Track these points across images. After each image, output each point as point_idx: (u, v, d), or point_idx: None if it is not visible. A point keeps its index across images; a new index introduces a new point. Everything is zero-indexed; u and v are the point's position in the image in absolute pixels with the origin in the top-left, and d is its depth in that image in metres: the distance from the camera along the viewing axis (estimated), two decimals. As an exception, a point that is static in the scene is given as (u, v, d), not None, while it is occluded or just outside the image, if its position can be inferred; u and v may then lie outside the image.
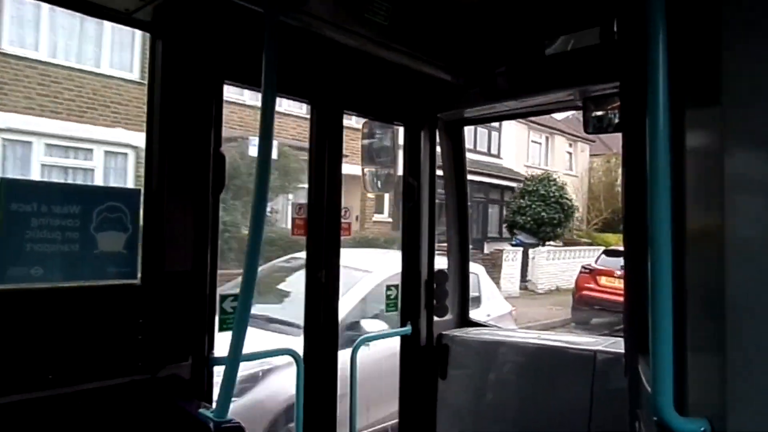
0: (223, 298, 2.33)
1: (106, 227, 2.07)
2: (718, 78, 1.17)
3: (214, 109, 2.31)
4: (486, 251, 20.86)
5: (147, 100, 2.22)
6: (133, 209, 2.13)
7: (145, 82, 2.26)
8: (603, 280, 14.44)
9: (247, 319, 1.82)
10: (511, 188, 25.06)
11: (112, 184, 12.45)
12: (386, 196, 17.18)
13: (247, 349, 1.93)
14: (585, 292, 14.76)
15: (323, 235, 2.79)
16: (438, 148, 3.47)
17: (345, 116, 2.92)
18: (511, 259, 19.56)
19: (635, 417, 2.03)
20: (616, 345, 2.85)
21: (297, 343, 2.83)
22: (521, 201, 22.50)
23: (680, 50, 1.30)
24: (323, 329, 2.80)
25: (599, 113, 2.84)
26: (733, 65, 1.16)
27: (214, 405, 1.97)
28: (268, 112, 1.68)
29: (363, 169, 3.34)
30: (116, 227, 2.09)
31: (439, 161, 3.47)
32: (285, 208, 14.00)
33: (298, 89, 2.79)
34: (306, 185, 2.85)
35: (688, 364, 1.29)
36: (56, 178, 11.55)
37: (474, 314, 3.81)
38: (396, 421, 3.35)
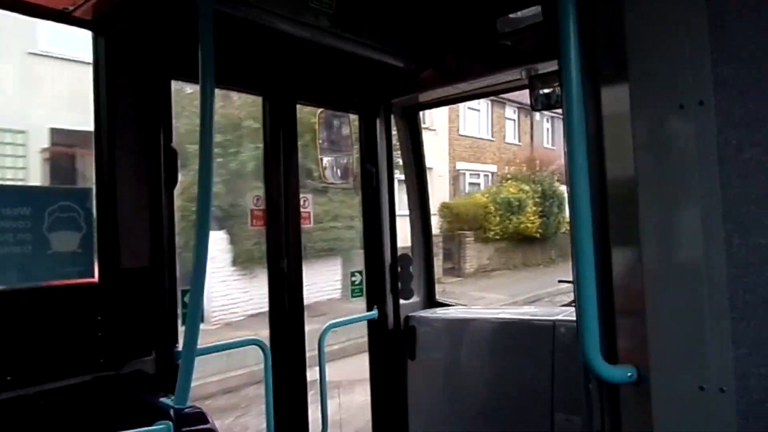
0: (184, 292, 2.36)
1: (58, 227, 2.08)
2: (624, 58, 1.26)
3: (162, 105, 2.33)
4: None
5: (93, 98, 2.22)
6: (86, 208, 2.15)
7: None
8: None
9: (198, 310, 1.85)
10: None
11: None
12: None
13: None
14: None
15: (283, 225, 2.82)
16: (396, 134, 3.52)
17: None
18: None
19: (588, 378, 2.13)
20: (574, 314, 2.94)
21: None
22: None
23: (593, 31, 1.38)
24: (289, 318, 2.84)
25: (546, 90, 2.91)
26: (634, 47, 1.25)
27: None
28: (207, 106, 1.71)
29: (321, 159, 3.37)
30: (69, 227, 2.10)
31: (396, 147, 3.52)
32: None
33: (250, 82, 2.81)
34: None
35: (616, 322, 1.37)
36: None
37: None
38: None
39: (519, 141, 25.93)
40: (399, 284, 3.40)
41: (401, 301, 3.41)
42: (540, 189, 20.73)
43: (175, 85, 2.41)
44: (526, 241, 20.30)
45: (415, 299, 3.52)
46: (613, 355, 1.37)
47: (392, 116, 3.44)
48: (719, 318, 1.17)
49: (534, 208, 20.13)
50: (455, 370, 3.25)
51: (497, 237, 18.98)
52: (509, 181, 21.00)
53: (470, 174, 22.83)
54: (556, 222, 21.12)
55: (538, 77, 2.92)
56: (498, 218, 18.89)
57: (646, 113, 1.25)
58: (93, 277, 2.17)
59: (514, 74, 3.02)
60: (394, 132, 3.47)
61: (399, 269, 3.41)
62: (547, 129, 27.50)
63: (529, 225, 19.83)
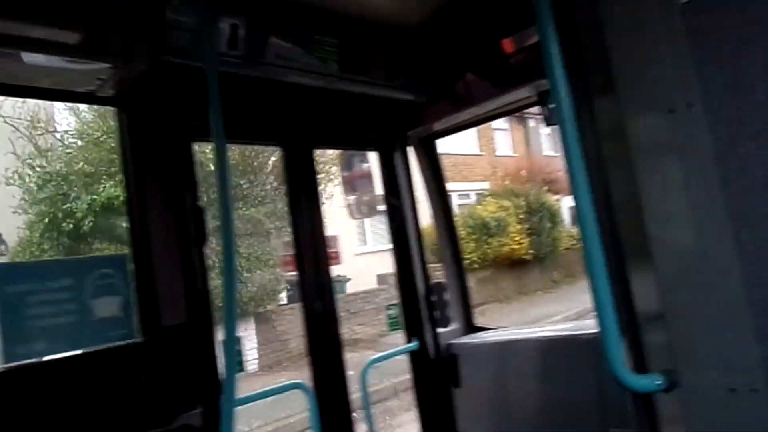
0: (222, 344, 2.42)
1: (99, 294, 2.19)
2: (610, 69, 1.29)
3: (185, 166, 2.44)
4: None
5: (122, 168, 2.35)
6: (122, 273, 2.26)
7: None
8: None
9: (233, 360, 1.91)
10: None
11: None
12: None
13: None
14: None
15: (313, 267, 2.88)
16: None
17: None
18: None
19: None
20: None
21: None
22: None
23: (578, 47, 1.42)
24: (329, 358, 2.87)
25: None
26: (618, 58, 1.28)
27: None
28: (223, 163, 1.80)
29: (346, 198, 3.45)
30: (109, 292, 2.21)
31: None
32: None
33: (267, 134, 2.92)
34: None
35: (640, 331, 1.37)
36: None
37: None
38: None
39: (514, 152, 24.16)
40: (436, 313, 3.41)
41: (440, 330, 3.41)
42: (524, 203, 18.12)
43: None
44: (517, 266, 17.68)
45: (454, 326, 3.51)
46: (641, 365, 1.36)
47: (410, 148, 3.50)
48: (739, 315, 1.16)
49: (519, 226, 17.53)
50: (502, 394, 3.21)
51: (476, 266, 15.93)
52: (487, 198, 18.50)
53: (459, 195, 20.27)
54: (551, 239, 18.47)
55: (548, 92, 2.95)
56: (473, 243, 16.13)
57: (638, 120, 1.27)
58: (136, 337, 2.26)
59: (525, 92, 3.05)
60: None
61: (435, 298, 3.42)
62: (547, 135, 25.12)
63: (516, 246, 17.34)
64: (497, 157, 22.94)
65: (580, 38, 1.44)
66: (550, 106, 2.88)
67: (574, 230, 20.22)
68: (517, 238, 17.45)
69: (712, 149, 1.18)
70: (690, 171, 1.20)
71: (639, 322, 1.36)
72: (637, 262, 1.35)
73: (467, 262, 14.32)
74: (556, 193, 20.72)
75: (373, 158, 3.46)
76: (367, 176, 3.46)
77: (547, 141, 24.99)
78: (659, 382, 1.27)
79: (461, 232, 14.23)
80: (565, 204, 21.85)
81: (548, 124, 3.02)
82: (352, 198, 3.48)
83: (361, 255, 17.21)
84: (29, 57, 1.89)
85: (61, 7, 1.85)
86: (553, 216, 18.83)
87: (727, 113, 1.17)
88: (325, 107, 3.00)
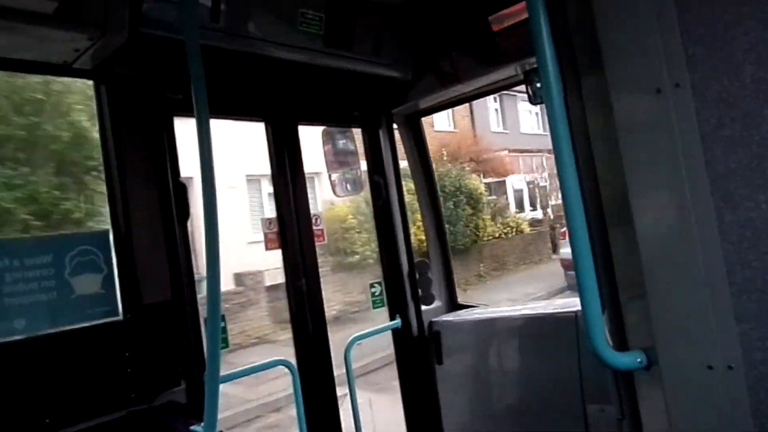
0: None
1: (80, 271, 2.16)
2: (598, 46, 1.29)
3: (167, 142, 2.40)
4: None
5: (101, 143, 2.30)
6: (105, 250, 2.23)
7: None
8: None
9: (218, 338, 1.90)
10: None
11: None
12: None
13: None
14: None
15: (298, 245, 2.87)
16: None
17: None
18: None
19: None
20: None
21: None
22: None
23: (566, 24, 1.41)
24: (313, 336, 2.88)
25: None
26: (607, 35, 1.27)
27: None
28: (204, 139, 1.77)
29: (330, 175, 3.43)
30: (90, 269, 2.18)
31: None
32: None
33: (251, 109, 2.88)
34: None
35: (622, 308, 1.39)
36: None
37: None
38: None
39: (455, 127, 21.27)
40: (419, 291, 3.43)
41: (423, 308, 3.43)
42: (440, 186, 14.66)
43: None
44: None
45: (437, 304, 3.54)
46: (623, 342, 1.38)
47: (395, 126, 3.48)
48: (719, 295, 1.18)
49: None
50: (484, 371, 3.26)
51: (370, 262, 12.21)
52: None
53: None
54: (474, 227, 16.14)
55: (534, 71, 2.94)
56: (366, 234, 12.68)
57: (626, 99, 1.27)
58: (118, 315, 2.24)
59: (510, 70, 3.04)
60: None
61: (417, 276, 3.44)
62: (496, 110, 23.68)
63: (422, 237, 13.97)
64: (436, 132, 19.84)
65: (568, 16, 1.43)
66: (539, 84, 2.87)
67: (518, 216, 19.24)
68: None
69: (697, 130, 1.19)
70: (675, 151, 1.21)
71: (621, 300, 1.38)
72: (620, 240, 1.36)
73: (357, 257, 12.69)
74: (487, 174, 19.51)
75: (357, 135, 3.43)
76: (351, 153, 3.44)
77: (495, 117, 23.39)
78: (640, 359, 1.29)
79: (352, 221, 12.74)
80: (511, 185, 21.02)
81: (533, 103, 3.02)
82: (335, 175, 3.46)
83: (256, 244, 15.06)
84: (3, 27, 1.83)
85: None
86: (475, 201, 16.38)
87: (714, 95, 1.18)
88: (310, 83, 2.96)
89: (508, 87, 3.30)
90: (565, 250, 13.06)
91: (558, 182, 1.37)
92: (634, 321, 1.35)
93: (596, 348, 1.29)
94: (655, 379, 1.26)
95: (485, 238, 16.72)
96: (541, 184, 23.97)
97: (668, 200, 1.25)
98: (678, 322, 1.23)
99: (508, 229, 17.57)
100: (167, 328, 2.31)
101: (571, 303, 3.11)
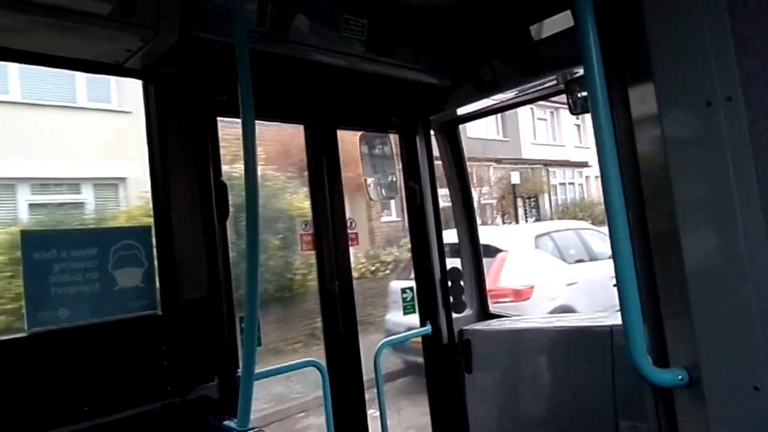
0: (243, 319, 2.45)
1: (122, 264, 2.22)
2: (648, 57, 1.27)
3: (210, 142, 2.46)
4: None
5: (147, 141, 2.37)
6: (146, 245, 2.28)
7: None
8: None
9: (254, 336, 1.93)
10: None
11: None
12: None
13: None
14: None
15: (332, 248, 2.90)
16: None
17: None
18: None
19: None
20: None
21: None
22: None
23: (615, 33, 1.40)
24: (344, 339, 2.90)
25: (584, 93, 2.89)
26: (657, 46, 1.26)
27: None
28: (249, 140, 1.80)
29: (365, 179, 3.45)
30: (132, 263, 2.24)
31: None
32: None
33: (291, 113, 2.92)
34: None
35: (664, 324, 1.36)
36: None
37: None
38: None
39: None
40: (451, 298, 3.41)
41: (454, 315, 3.42)
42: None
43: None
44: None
45: (467, 312, 3.52)
46: (663, 359, 1.36)
47: (432, 133, 3.49)
48: (767, 315, 1.15)
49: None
50: (514, 382, 3.23)
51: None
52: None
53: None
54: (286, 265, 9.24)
55: (575, 80, 2.91)
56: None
57: (675, 112, 1.25)
58: (156, 309, 2.29)
59: (551, 79, 3.01)
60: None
61: (449, 283, 3.43)
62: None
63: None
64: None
65: (616, 25, 1.42)
66: (580, 94, 2.84)
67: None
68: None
69: (749, 145, 1.16)
70: (726, 166, 1.18)
71: (663, 316, 1.35)
72: (664, 254, 1.34)
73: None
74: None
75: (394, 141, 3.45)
76: (389, 158, 3.45)
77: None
78: (681, 377, 1.27)
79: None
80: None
81: (573, 113, 2.99)
82: (372, 179, 3.48)
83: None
84: (61, 26, 1.90)
85: None
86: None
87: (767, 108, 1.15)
88: (350, 88, 2.99)
89: (547, 96, 3.27)
90: (390, 316, 7.97)
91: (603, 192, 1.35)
92: (676, 337, 1.32)
93: (636, 363, 1.26)
94: (697, 397, 1.23)
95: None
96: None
97: (717, 217, 1.22)
98: (724, 341, 1.20)
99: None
100: (203, 324, 2.36)
101: (607, 316, 3.06)
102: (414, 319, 3.40)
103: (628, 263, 1.28)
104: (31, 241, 2.05)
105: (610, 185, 1.30)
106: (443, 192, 3.58)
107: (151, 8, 1.97)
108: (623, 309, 1.29)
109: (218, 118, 2.52)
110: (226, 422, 2.04)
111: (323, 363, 2.78)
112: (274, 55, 2.49)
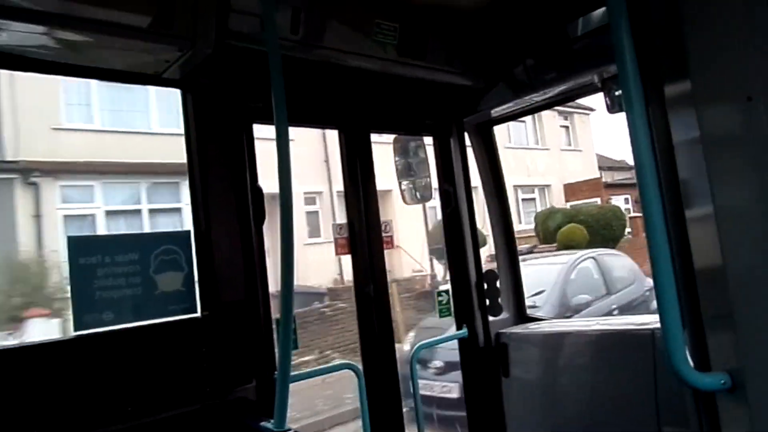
0: (278, 321, 2.49)
1: (164, 269, 2.28)
2: (684, 53, 1.24)
3: (246, 148, 2.50)
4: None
5: (186, 149, 2.43)
6: (186, 249, 2.34)
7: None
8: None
9: (290, 338, 1.96)
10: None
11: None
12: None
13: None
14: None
15: (367, 251, 2.91)
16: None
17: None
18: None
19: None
20: None
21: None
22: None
23: (650, 29, 1.37)
24: (379, 341, 2.90)
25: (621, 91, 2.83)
26: (694, 41, 1.22)
27: None
28: (283, 146, 1.83)
29: (400, 183, 3.45)
30: (173, 268, 2.30)
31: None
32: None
33: (325, 118, 2.96)
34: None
35: (705, 328, 1.32)
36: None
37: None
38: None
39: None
40: (487, 301, 3.39)
41: (490, 318, 3.38)
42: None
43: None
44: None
45: (504, 315, 3.48)
46: (705, 363, 1.32)
47: (466, 135, 3.47)
48: None
49: None
50: (552, 386, 3.17)
51: None
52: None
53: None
54: None
55: (612, 78, 2.85)
56: None
57: (713, 108, 1.21)
58: (196, 312, 2.35)
59: (587, 78, 2.96)
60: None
61: (486, 286, 3.40)
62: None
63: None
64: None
65: (651, 21, 1.38)
66: (617, 93, 2.78)
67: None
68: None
69: None
70: (766, 163, 1.14)
71: (703, 319, 1.31)
72: (704, 257, 1.30)
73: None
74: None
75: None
76: (423, 161, 3.45)
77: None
78: (724, 381, 1.23)
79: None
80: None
81: (611, 112, 2.93)
82: (405, 182, 3.48)
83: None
84: (102, 40, 1.97)
85: None
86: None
87: None
88: (383, 91, 3.00)
89: (583, 95, 3.22)
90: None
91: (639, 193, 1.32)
92: (718, 341, 1.28)
93: (676, 367, 1.23)
94: (740, 402, 1.19)
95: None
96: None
97: (758, 216, 1.18)
98: (767, 345, 1.16)
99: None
100: (241, 327, 2.40)
101: (648, 319, 2.98)
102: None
103: (666, 266, 1.25)
104: (77, 246, 2.12)
105: (647, 187, 1.27)
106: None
107: (188, 20, 2.03)
108: (662, 312, 1.26)
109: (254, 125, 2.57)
110: (263, 423, 2.07)
111: (359, 366, 2.80)
112: (308, 61, 2.52)
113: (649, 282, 7.76)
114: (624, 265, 9.59)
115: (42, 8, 1.77)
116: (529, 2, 2.79)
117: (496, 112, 3.42)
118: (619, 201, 23.25)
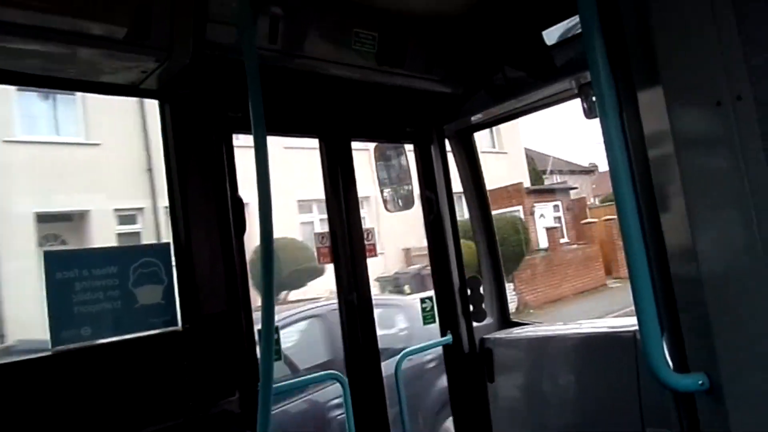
0: (260, 333, 2.47)
1: (143, 282, 2.25)
2: (655, 59, 1.26)
3: (225, 158, 2.49)
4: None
5: (164, 160, 2.41)
6: (166, 262, 2.32)
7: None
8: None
9: (271, 349, 1.94)
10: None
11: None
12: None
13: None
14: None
15: (349, 259, 2.91)
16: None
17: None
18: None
19: None
20: None
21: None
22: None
23: (621, 36, 1.39)
24: (363, 350, 2.89)
25: None
26: (663, 48, 1.25)
27: None
28: (261, 156, 1.83)
29: (381, 191, 3.45)
30: (152, 280, 2.27)
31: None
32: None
33: (306, 126, 2.95)
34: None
35: (682, 329, 1.34)
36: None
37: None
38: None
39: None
40: (471, 307, 3.39)
41: (474, 324, 3.39)
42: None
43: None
44: None
45: (488, 321, 3.49)
46: (684, 364, 1.33)
47: (447, 141, 3.48)
48: None
49: None
50: (537, 390, 3.18)
51: None
52: None
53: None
54: None
55: (590, 84, 2.89)
56: None
57: (684, 113, 1.24)
58: (177, 325, 2.32)
59: (565, 84, 3.00)
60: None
61: (469, 292, 3.41)
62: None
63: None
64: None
65: (623, 28, 1.41)
66: (593, 99, 2.82)
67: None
68: None
69: (761, 144, 1.14)
70: (737, 167, 1.16)
71: (681, 321, 1.33)
72: (680, 259, 1.31)
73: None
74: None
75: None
76: (404, 168, 3.46)
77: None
78: (701, 382, 1.24)
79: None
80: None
81: (588, 118, 2.96)
82: (387, 191, 3.48)
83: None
84: (78, 51, 1.95)
85: (108, 2, 1.90)
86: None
87: None
88: (363, 99, 3.01)
89: (562, 101, 3.25)
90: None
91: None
92: (695, 342, 1.30)
93: (655, 369, 1.24)
94: (718, 402, 1.21)
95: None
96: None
97: (731, 218, 1.20)
98: (743, 345, 1.17)
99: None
100: (224, 339, 2.38)
101: (630, 322, 3.01)
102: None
103: (643, 270, 1.26)
104: (53, 260, 2.09)
105: (622, 191, 1.28)
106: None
107: (165, 30, 2.02)
108: (639, 315, 1.28)
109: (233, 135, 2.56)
110: None
111: (344, 376, 2.78)
112: (287, 70, 2.52)
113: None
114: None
115: (17, 20, 1.75)
116: (506, 10, 2.82)
117: (476, 118, 3.45)
118: (547, 209, 21.39)
